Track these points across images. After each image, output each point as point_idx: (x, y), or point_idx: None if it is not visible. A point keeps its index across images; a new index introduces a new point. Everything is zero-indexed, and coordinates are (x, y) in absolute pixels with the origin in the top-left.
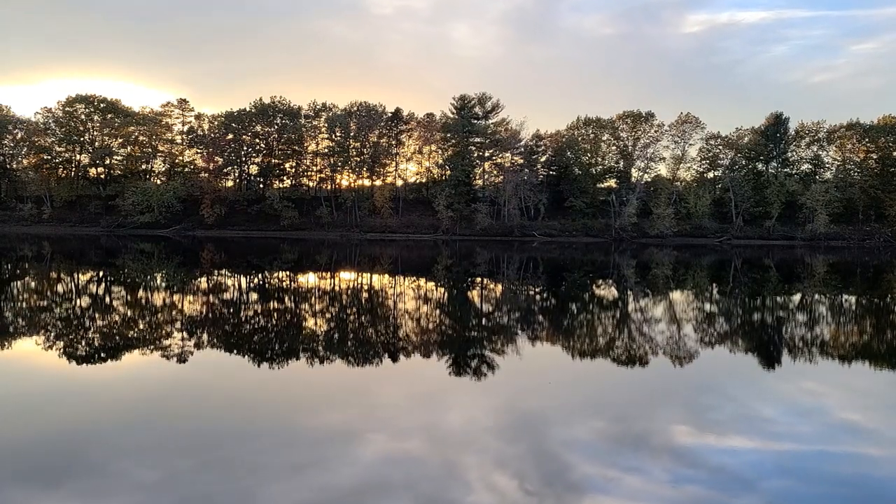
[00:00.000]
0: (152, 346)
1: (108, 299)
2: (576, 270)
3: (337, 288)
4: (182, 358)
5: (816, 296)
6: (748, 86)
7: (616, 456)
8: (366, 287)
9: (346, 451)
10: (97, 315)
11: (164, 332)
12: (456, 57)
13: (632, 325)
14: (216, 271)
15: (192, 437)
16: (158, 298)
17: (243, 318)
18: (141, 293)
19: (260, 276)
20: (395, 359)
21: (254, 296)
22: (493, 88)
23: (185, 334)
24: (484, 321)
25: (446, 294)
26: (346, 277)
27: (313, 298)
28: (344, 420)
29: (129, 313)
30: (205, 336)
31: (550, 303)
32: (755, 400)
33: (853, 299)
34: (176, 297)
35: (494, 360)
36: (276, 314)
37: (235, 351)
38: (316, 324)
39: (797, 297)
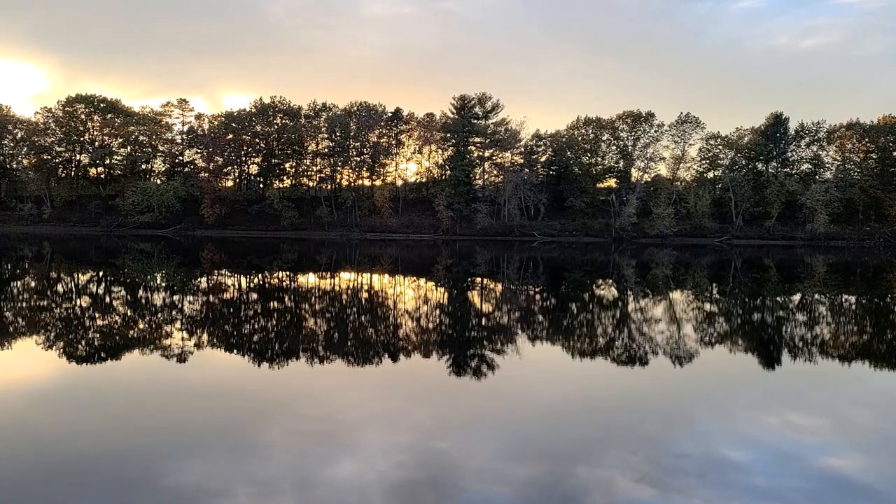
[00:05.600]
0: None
1: (106, 299)
2: (575, 270)
3: (336, 288)
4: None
5: (816, 296)
6: (725, 56)
7: None
8: (365, 287)
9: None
10: (86, 316)
11: (139, 334)
12: (361, 18)
13: (620, 331)
14: (216, 271)
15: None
16: (157, 298)
17: (232, 320)
18: (140, 293)
19: (259, 276)
20: (372, 362)
21: (253, 296)
22: (420, 58)
23: (151, 336)
24: (478, 321)
25: (445, 294)
26: (346, 277)
27: (313, 298)
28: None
29: (120, 314)
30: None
31: (548, 303)
32: (731, 439)
33: (853, 299)
34: (175, 297)
35: (463, 372)
36: (271, 316)
37: (211, 353)
38: (313, 325)
39: (796, 298)
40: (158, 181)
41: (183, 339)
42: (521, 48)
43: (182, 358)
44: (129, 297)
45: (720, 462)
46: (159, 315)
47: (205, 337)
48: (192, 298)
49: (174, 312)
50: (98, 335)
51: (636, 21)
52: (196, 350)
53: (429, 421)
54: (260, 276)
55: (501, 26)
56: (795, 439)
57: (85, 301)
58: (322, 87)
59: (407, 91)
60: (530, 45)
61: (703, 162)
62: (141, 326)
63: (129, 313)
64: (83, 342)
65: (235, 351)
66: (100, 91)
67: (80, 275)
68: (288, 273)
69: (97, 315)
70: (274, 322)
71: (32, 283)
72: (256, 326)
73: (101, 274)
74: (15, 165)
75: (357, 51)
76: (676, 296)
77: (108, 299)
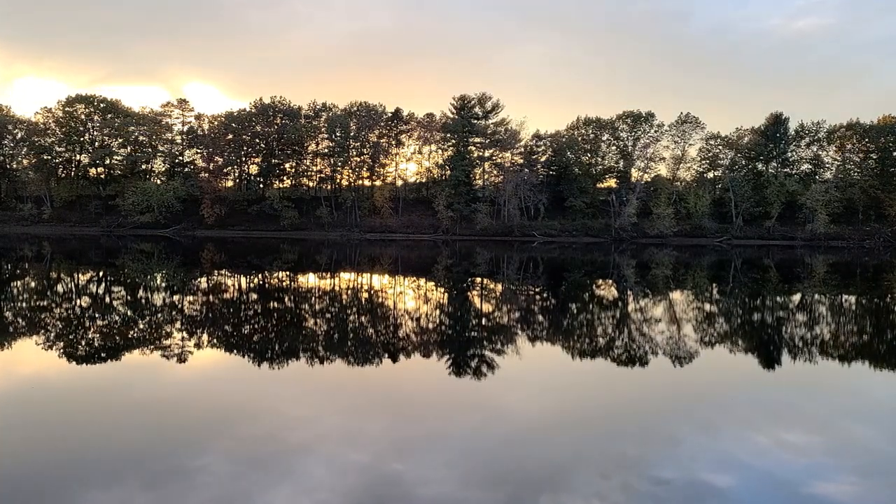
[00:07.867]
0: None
1: (106, 299)
2: (575, 270)
3: (336, 288)
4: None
5: (816, 296)
6: (713, 40)
7: None
8: (365, 287)
9: None
10: (83, 316)
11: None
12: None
13: (612, 335)
14: (216, 271)
15: None
16: (157, 298)
17: (217, 323)
18: (140, 293)
19: (259, 276)
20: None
21: (243, 297)
22: (381, 42)
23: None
24: (469, 324)
25: (445, 294)
26: (346, 278)
27: (313, 298)
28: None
29: (118, 314)
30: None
31: (546, 304)
32: (719, 462)
33: (853, 299)
34: (175, 298)
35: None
36: (259, 318)
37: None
38: (297, 328)
39: (796, 298)
40: (158, 181)
41: (147, 344)
42: (490, 32)
43: (135, 366)
44: (127, 297)
45: (704, 490)
46: (131, 317)
47: (169, 341)
48: (190, 299)
49: (159, 315)
50: (44, 339)
51: (617, 4)
52: (158, 356)
53: (386, 440)
54: (259, 276)
55: (469, 9)
56: (789, 462)
57: (62, 301)
58: (284, 72)
59: (373, 76)
60: (500, 29)
61: (703, 162)
62: (107, 329)
63: (111, 315)
64: (29, 346)
65: (201, 358)
66: (42, 75)
67: (80, 275)
68: (288, 273)
69: (61, 316)
70: (259, 325)
71: (32, 284)
72: (238, 331)
73: (100, 274)
74: (15, 165)
75: (319, 32)
76: (675, 296)
77: (91, 300)
